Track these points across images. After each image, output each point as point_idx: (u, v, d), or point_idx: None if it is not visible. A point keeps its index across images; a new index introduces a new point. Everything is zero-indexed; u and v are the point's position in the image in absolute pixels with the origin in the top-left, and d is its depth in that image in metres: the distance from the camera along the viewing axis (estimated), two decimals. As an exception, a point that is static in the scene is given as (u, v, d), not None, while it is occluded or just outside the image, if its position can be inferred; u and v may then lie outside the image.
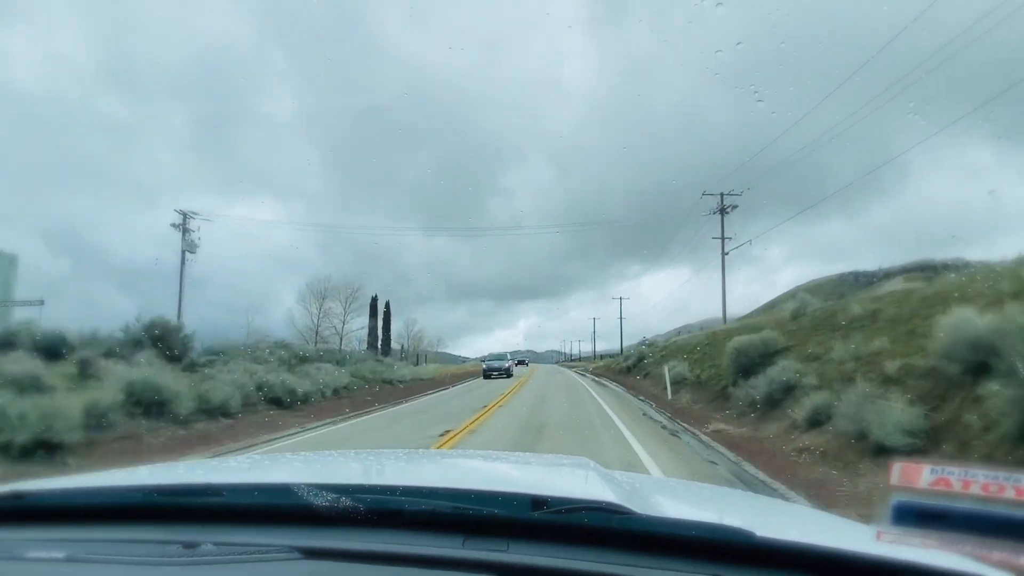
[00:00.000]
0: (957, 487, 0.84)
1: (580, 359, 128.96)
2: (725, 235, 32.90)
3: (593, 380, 33.30)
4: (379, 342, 53.97)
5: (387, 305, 60.57)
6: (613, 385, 27.93)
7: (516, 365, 48.22)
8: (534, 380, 31.54)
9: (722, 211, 33.28)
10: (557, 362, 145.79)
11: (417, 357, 62.52)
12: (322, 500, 1.19)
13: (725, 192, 32.81)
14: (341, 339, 50.77)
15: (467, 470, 2.05)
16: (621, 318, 69.69)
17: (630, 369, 34.31)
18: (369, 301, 55.88)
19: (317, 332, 50.96)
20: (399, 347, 63.74)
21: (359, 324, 53.17)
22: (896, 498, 0.84)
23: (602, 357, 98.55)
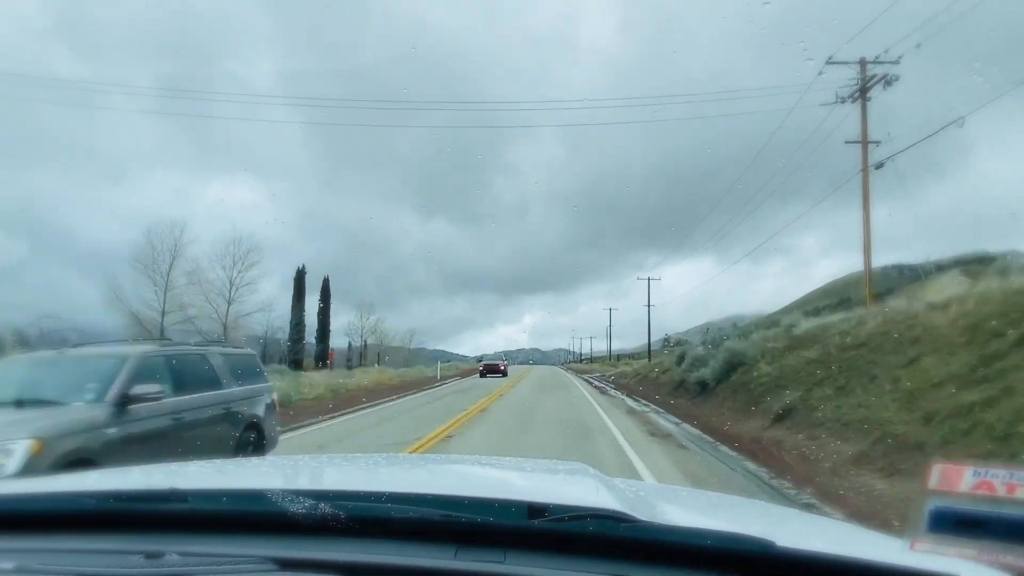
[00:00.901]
0: (1001, 491, 0.86)
1: (592, 359, 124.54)
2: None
3: (637, 417, 16.27)
4: (317, 336, 45.72)
5: (326, 284, 47.70)
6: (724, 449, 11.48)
7: (486, 374, 41.92)
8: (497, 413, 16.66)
9: (863, 91, 20.78)
10: (564, 363, 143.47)
11: (379, 357, 54.70)
12: (299, 507, 1.21)
13: (871, 61, 20.38)
14: (225, 330, 37.23)
15: (458, 476, 2.09)
16: (649, 304, 58.45)
17: (682, 385, 21.00)
18: (295, 275, 44.35)
19: (164, 318, 35.67)
20: (359, 344, 57.21)
21: (272, 306, 41.20)
22: (933, 503, 0.86)
23: (619, 358, 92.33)
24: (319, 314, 46.98)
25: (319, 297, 46.60)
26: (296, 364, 40.17)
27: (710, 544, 1.12)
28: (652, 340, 57.87)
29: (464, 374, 48.29)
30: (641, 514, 1.23)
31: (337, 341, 54.23)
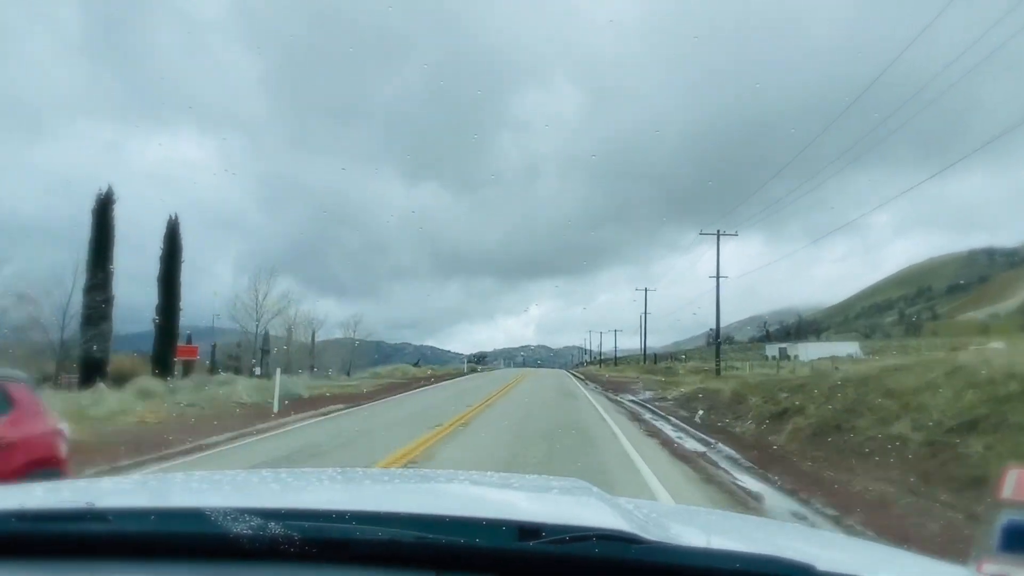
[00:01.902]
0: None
1: (615, 361, 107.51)
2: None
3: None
4: (158, 325, 34.60)
5: (173, 230, 35.77)
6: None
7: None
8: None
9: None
10: (576, 366, 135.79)
11: (288, 359, 44.28)
12: (244, 526, 1.18)
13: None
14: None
15: (434, 492, 2.04)
16: (718, 276, 44.02)
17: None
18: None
19: None
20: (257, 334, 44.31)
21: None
22: (1006, 516, 0.83)
23: (657, 359, 77.73)
24: (161, 280, 34.97)
25: (93, 248, 32.04)
26: (90, 371, 29.62)
27: (739, 568, 1.10)
28: (689, 336, 53.73)
29: (410, 383, 38.56)
30: (654, 535, 1.21)
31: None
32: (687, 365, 57.39)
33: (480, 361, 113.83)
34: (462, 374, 60.67)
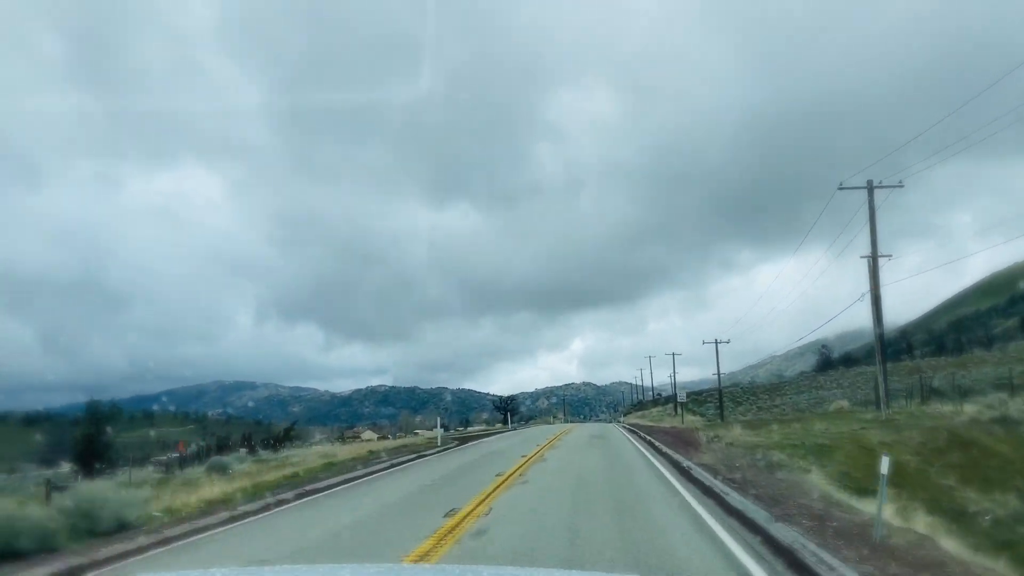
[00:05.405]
0: None
1: (688, 404, 68.06)
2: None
3: None
4: None
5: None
6: None
7: None
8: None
9: None
10: (624, 415, 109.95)
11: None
12: None
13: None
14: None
15: None
16: (874, 262, 30.27)
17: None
18: None
19: None
20: None
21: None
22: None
23: (725, 398, 62.44)
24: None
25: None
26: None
27: None
28: (742, 365, 39.68)
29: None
30: None
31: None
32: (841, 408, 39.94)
33: (508, 409, 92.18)
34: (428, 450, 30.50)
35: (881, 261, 31.72)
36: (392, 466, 21.68)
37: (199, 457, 34.96)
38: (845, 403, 43.38)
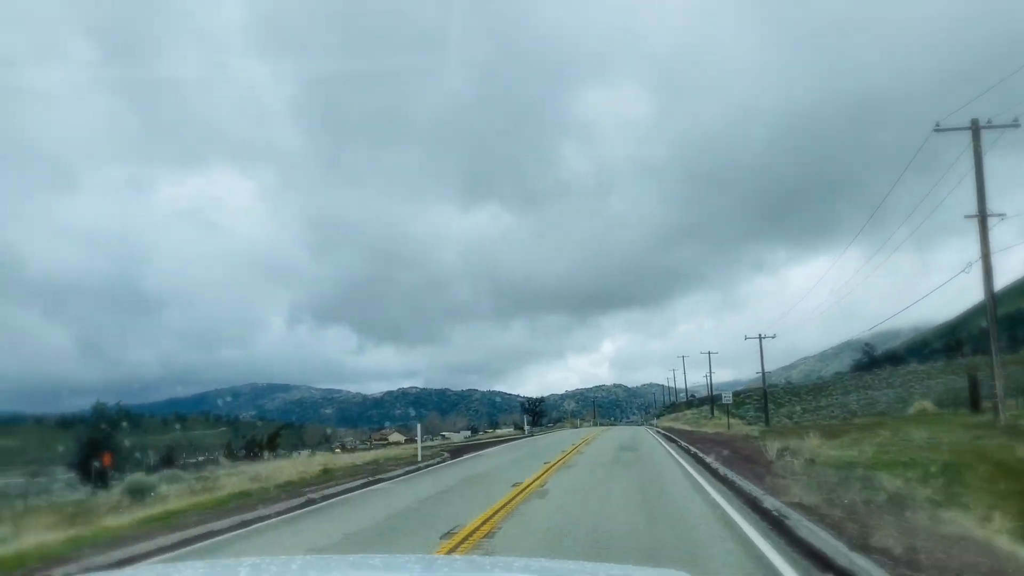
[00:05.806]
0: None
1: (730, 407, 63.79)
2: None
3: None
4: None
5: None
6: None
7: None
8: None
9: None
10: (657, 417, 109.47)
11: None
12: None
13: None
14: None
15: None
16: (983, 221, 23.96)
17: None
18: None
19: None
20: None
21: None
22: None
23: (761, 403, 56.19)
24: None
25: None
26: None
27: None
28: (776, 367, 32.94)
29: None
30: None
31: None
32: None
33: (536, 411, 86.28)
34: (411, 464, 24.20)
35: (991, 221, 24.84)
36: (306, 503, 14.99)
37: (156, 468, 29.86)
38: (928, 404, 36.36)
